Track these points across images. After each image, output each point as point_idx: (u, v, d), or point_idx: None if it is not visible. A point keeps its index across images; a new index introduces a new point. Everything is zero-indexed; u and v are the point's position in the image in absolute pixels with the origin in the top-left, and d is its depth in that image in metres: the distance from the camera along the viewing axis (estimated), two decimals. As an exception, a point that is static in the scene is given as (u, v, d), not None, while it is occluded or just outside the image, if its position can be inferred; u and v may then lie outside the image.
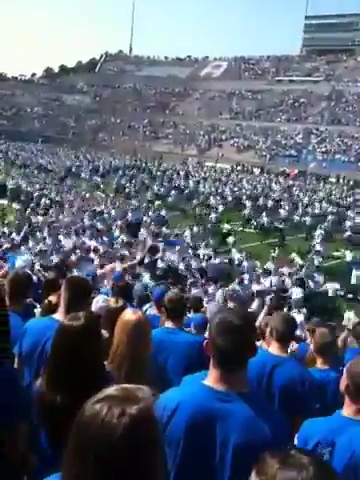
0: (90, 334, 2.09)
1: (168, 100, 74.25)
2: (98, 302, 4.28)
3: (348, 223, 22.52)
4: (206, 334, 2.63)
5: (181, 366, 3.17)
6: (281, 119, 60.48)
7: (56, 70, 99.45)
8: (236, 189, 32.38)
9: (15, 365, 2.84)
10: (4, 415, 2.04)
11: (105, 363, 2.43)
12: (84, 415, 1.04)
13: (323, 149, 51.39)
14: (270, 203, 27.12)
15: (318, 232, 20.07)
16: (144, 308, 6.54)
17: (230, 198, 28.90)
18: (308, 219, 22.87)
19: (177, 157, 52.17)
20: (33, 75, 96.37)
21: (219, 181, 36.61)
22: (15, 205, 24.90)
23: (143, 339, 2.54)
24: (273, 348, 3.36)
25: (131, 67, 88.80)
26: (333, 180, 42.82)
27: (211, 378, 1.93)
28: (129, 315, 2.63)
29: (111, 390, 1.09)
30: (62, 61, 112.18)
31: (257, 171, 47.53)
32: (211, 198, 27.86)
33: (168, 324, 3.63)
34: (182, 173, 39.32)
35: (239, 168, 49.18)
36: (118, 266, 9.23)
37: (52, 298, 4.06)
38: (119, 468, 1.00)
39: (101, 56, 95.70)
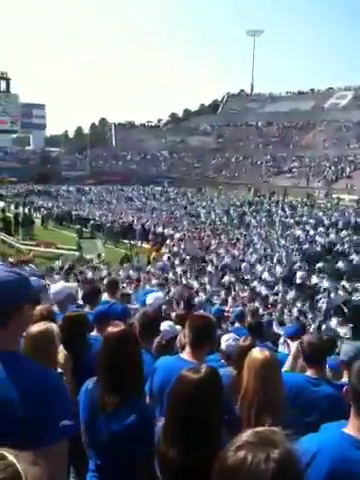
0: (208, 387, 1.91)
1: (291, 134, 73.25)
2: (228, 341, 4.24)
3: None
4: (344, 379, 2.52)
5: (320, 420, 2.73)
6: None
7: (180, 114, 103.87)
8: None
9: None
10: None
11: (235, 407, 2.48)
12: (228, 462, 1.04)
13: None
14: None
15: None
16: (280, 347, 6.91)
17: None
18: None
19: (302, 191, 50.45)
20: (159, 121, 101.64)
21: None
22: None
23: (272, 379, 2.47)
24: None
25: (253, 105, 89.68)
26: None
27: (352, 426, 1.84)
28: (256, 353, 2.60)
29: (246, 436, 1.09)
30: (186, 105, 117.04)
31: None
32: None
33: (309, 372, 3.34)
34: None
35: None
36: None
37: (181, 337, 4.10)
38: None
39: (223, 97, 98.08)
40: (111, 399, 2.32)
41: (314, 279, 17.14)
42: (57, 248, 26.02)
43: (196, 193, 52.75)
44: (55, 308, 4.75)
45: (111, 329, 2.51)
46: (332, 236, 23.84)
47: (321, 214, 32.37)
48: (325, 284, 16.23)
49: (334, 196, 47.99)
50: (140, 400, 2.42)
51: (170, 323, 5.02)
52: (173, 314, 6.30)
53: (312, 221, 28.86)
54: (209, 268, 20.23)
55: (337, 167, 58.03)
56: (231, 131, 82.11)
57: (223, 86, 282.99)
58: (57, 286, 5.41)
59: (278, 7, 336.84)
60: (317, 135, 69.71)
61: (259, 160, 68.02)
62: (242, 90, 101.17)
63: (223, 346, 4.22)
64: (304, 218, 30.68)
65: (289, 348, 4.40)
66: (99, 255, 23.44)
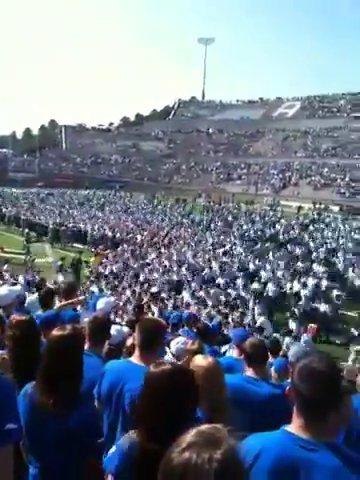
0: (175, 381, 1.95)
1: (241, 142, 74.66)
2: (177, 344, 4.34)
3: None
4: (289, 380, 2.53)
5: (262, 420, 2.92)
6: (360, 156, 58.54)
7: (132, 119, 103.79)
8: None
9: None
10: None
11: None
12: (173, 463, 1.06)
13: None
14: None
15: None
16: (222, 349, 7.03)
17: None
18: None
19: (251, 197, 51.53)
20: (110, 124, 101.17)
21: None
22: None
23: (215, 385, 2.53)
24: None
25: (204, 112, 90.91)
26: None
27: (294, 425, 1.86)
28: (199, 361, 2.66)
29: (190, 436, 1.11)
30: (138, 110, 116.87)
31: (336, 209, 45.76)
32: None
33: (249, 372, 3.45)
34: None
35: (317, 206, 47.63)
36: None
37: (130, 340, 4.26)
38: None
39: (175, 103, 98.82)
40: (49, 400, 2.33)
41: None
42: (4, 252, 25.47)
43: (151, 199, 52.81)
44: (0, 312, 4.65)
45: (55, 331, 2.51)
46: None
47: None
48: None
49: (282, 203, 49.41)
50: (79, 400, 2.41)
51: (118, 327, 5.13)
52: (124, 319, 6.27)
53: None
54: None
55: (284, 175, 59.66)
56: (182, 137, 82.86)
57: (175, 92, 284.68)
58: (2, 290, 5.31)
59: (230, 16, 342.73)
60: (266, 143, 71.40)
61: (210, 167, 68.98)
62: (194, 97, 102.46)
63: (173, 349, 4.29)
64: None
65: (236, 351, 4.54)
66: (62, 259, 23.05)
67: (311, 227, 31.28)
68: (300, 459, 1.76)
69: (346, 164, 57.15)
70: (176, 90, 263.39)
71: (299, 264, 20.04)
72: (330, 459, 1.74)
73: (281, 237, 27.68)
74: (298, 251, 22.84)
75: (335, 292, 16.19)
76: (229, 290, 17.09)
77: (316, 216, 37.58)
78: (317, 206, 47.48)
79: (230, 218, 36.81)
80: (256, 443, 1.87)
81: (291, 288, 16.88)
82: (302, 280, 17.19)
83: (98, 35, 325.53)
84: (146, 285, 18.04)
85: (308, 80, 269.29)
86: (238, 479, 1.08)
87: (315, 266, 19.83)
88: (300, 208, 44.87)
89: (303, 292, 16.01)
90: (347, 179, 53.62)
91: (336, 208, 46.22)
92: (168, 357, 4.40)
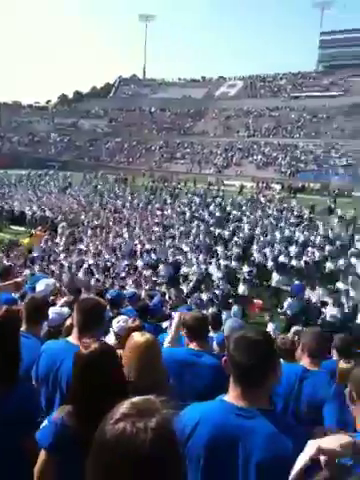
0: (103, 361, 2.04)
1: (183, 121, 74.24)
2: (119, 322, 4.43)
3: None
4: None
5: (205, 390, 2.89)
6: (300, 135, 59.70)
7: (71, 96, 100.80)
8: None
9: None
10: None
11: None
12: (107, 436, 1.06)
13: (344, 163, 50.35)
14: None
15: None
16: (164, 325, 7.06)
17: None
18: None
19: (195, 177, 51.39)
20: (48, 102, 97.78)
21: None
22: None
23: (152, 360, 2.57)
24: (304, 362, 3.49)
25: (145, 90, 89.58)
26: (357, 194, 41.45)
27: (231, 395, 1.92)
28: (137, 337, 2.68)
29: (123, 408, 1.11)
30: (77, 87, 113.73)
31: (278, 187, 46.51)
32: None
33: (192, 345, 3.50)
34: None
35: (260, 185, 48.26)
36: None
37: (69, 320, 4.23)
38: (145, 476, 1.03)
39: (115, 80, 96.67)
40: None
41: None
42: None
43: (91, 179, 51.52)
44: None
45: None
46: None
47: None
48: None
49: (226, 182, 49.69)
50: (18, 382, 2.36)
51: (58, 309, 5.11)
52: (61, 300, 6.23)
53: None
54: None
55: (227, 154, 59.93)
56: (124, 115, 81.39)
57: (115, 70, 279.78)
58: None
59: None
60: (208, 123, 71.36)
61: (153, 146, 68.21)
62: (134, 75, 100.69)
63: (115, 328, 4.40)
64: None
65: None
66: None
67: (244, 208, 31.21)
68: (237, 427, 1.81)
69: (287, 143, 58.11)
70: (116, 67, 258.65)
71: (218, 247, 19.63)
72: (266, 425, 1.79)
73: (208, 218, 27.27)
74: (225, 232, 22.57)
75: (245, 270, 15.96)
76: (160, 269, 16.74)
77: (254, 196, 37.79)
78: (259, 185, 48.15)
79: (169, 198, 36.37)
80: (194, 414, 1.91)
81: (206, 269, 16.52)
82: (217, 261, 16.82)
83: (36, 10, 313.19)
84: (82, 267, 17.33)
85: (250, 59, 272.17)
86: (172, 448, 1.08)
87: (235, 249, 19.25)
88: (243, 187, 45.27)
89: (216, 274, 15.65)
90: (288, 158, 54.57)
91: (278, 187, 47.03)
92: (111, 336, 4.50)
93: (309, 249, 18.41)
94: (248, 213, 28.06)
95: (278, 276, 14.94)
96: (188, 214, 28.35)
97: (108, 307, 6.18)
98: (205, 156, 61.07)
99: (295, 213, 28.21)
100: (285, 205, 31.97)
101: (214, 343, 5.28)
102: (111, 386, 1.94)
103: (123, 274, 16.20)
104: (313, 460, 1.28)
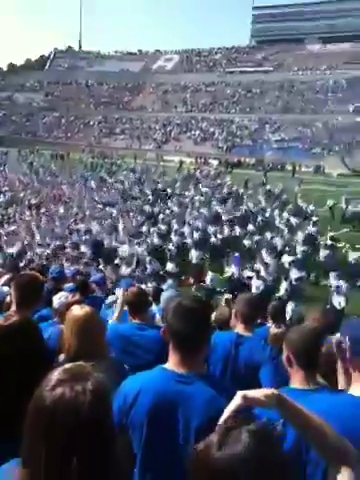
0: (23, 333, 1.95)
1: (122, 95, 73.79)
2: (60, 299, 4.31)
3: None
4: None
5: (149, 362, 3.04)
6: (236, 110, 61.14)
7: (5, 69, 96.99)
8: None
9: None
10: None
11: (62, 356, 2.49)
12: (46, 402, 1.10)
13: (278, 138, 52.43)
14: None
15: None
16: (108, 301, 6.93)
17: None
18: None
19: (135, 153, 51.91)
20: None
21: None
22: None
23: (91, 335, 2.50)
24: (239, 329, 3.56)
25: (82, 63, 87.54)
26: (289, 168, 43.59)
27: (171, 362, 1.97)
28: (76, 311, 2.62)
29: (57, 374, 1.16)
30: (11, 59, 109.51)
31: (215, 163, 48.00)
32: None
33: (135, 320, 3.66)
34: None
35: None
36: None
37: (8, 298, 4.17)
38: (87, 441, 1.09)
39: (50, 53, 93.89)
40: None
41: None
42: None
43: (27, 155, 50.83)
44: None
45: None
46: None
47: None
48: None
49: (165, 158, 50.54)
50: None
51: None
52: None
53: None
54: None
55: (166, 129, 60.69)
56: (61, 89, 79.41)
57: (50, 42, 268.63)
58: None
59: None
60: (146, 97, 71.37)
61: (91, 121, 67.68)
62: (70, 47, 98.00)
63: (55, 304, 4.24)
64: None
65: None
66: None
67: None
68: (178, 392, 1.87)
69: (223, 118, 59.54)
70: (51, 40, 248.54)
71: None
72: (204, 390, 1.87)
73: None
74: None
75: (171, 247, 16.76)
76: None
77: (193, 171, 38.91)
78: (198, 160, 49.43)
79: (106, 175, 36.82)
80: (135, 383, 1.98)
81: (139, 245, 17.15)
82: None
83: None
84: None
85: (185, 32, 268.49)
86: (109, 408, 1.17)
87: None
88: (182, 162, 46.35)
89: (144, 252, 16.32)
90: (224, 134, 56.07)
91: (215, 162, 48.53)
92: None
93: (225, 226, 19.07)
94: (178, 191, 28.82)
95: (196, 252, 15.67)
96: (124, 192, 29.17)
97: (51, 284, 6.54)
98: (144, 131, 61.49)
99: (225, 190, 28.90)
100: (219, 181, 33.23)
101: (157, 315, 5.52)
102: (28, 358, 1.87)
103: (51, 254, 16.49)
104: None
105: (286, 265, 14.46)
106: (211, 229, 18.48)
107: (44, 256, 16.16)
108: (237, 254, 15.03)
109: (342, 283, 11.83)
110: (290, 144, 50.36)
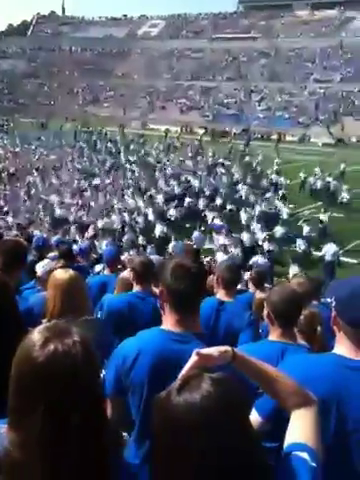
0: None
1: (106, 61, 72.19)
2: (43, 267, 4.24)
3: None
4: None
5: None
6: (222, 78, 60.22)
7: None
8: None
9: None
10: None
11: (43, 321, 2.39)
12: (40, 359, 1.07)
13: (264, 107, 51.92)
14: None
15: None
16: (96, 269, 7.00)
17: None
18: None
19: (120, 121, 51.06)
20: None
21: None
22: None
23: (75, 297, 2.52)
24: (220, 295, 3.65)
25: (65, 28, 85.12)
26: (274, 137, 43.34)
27: (168, 323, 2.01)
28: (60, 274, 2.63)
29: (41, 334, 1.13)
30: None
31: (201, 131, 47.49)
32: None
33: (136, 288, 3.69)
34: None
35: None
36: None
37: None
38: (85, 395, 1.09)
39: (33, 18, 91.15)
40: None
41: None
42: None
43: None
44: None
45: None
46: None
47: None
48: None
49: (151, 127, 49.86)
50: None
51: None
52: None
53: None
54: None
55: (151, 98, 59.71)
56: (44, 55, 77.46)
57: (32, 7, 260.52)
58: None
59: None
60: (131, 64, 69.86)
61: (75, 88, 66.36)
62: (53, 12, 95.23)
63: (39, 272, 4.20)
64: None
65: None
66: None
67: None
68: (175, 351, 1.89)
69: (209, 86, 58.68)
70: (33, 5, 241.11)
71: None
72: (201, 347, 2.06)
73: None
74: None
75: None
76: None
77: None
78: (184, 129, 48.86)
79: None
80: (133, 344, 2.02)
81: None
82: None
83: None
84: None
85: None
86: (96, 360, 1.16)
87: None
88: (167, 131, 45.75)
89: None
90: (210, 102, 55.36)
91: (201, 131, 47.98)
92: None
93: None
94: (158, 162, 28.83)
95: (160, 226, 16.37)
96: (108, 163, 29.05)
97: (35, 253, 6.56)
98: (129, 99, 60.52)
99: (209, 160, 28.87)
100: (200, 151, 33.03)
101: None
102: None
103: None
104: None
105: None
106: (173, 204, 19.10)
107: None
108: (218, 222, 15.40)
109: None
110: (276, 113, 49.95)
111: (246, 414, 1.15)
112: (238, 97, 54.97)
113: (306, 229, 15.94)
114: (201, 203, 19.24)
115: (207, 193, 20.81)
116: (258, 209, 17.55)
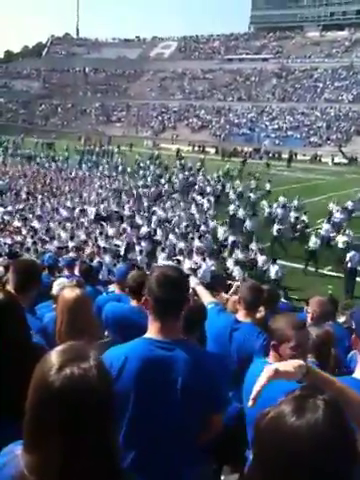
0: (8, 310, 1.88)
1: (119, 82, 73.31)
2: (58, 285, 4.29)
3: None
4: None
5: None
6: (233, 98, 60.81)
7: (1, 56, 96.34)
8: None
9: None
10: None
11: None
12: (57, 384, 1.09)
13: (275, 126, 52.21)
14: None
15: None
16: (110, 289, 6.67)
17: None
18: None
19: (132, 140, 51.60)
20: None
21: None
22: None
23: (82, 316, 2.57)
24: (240, 315, 3.58)
25: (79, 50, 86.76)
26: (285, 156, 43.43)
27: (152, 331, 2.07)
28: (68, 293, 2.69)
29: (58, 357, 1.14)
30: (7, 46, 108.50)
31: (212, 151, 47.79)
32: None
33: (133, 303, 3.74)
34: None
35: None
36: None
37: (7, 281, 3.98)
38: (101, 417, 1.11)
39: (48, 40, 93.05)
40: None
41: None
42: None
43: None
44: None
45: None
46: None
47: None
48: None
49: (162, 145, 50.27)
50: None
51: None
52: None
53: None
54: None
55: (163, 117, 60.36)
56: (58, 76, 78.76)
57: (47, 29, 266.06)
58: None
59: None
60: (144, 84, 70.89)
61: (88, 108, 67.29)
62: (67, 33, 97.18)
63: (54, 291, 4.23)
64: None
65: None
66: None
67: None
68: (160, 358, 1.98)
69: (220, 106, 59.21)
70: (48, 26, 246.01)
71: None
72: (184, 354, 2.00)
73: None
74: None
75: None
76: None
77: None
78: (195, 148, 49.20)
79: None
80: (119, 352, 2.06)
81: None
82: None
83: None
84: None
85: (184, 19, 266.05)
86: (110, 383, 1.19)
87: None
88: (179, 150, 46.04)
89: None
90: (222, 121, 55.82)
91: (212, 150, 48.30)
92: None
93: None
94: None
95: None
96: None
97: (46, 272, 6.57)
98: (141, 119, 61.21)
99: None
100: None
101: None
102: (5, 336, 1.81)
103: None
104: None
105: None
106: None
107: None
108: None
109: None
110: (288, 133, 50.19)
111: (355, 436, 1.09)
112: (249, 117, 55.31)
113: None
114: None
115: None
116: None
